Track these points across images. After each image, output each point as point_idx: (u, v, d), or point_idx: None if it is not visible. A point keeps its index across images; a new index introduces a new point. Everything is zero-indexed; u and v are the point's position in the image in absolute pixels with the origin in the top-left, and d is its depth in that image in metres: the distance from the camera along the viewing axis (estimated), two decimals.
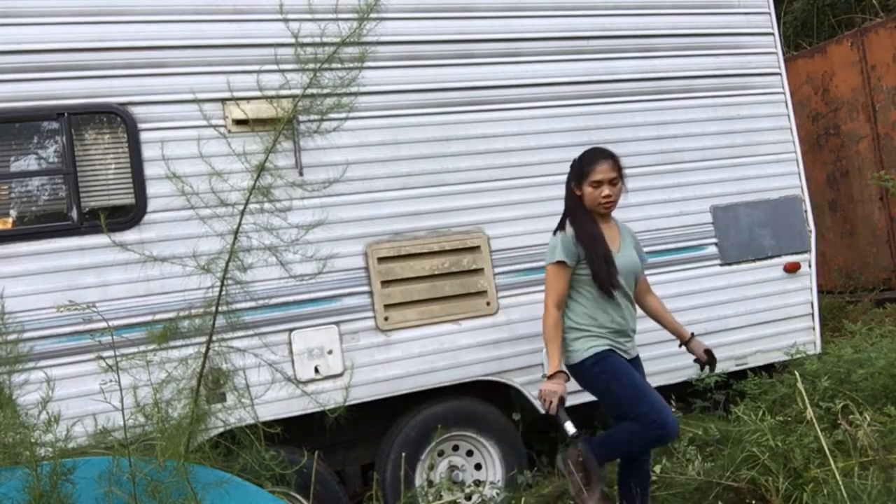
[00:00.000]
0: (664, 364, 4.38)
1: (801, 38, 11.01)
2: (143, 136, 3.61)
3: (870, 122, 7.05)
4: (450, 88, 4.15)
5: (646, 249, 4.40)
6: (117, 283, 3.51)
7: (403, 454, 3.87)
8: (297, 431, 3.52)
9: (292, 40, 3.89)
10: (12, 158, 3.52)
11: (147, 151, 3.61)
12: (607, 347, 3.17)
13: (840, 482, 3.07)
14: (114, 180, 3.60)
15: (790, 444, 3.40)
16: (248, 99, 3.73)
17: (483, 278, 4.09)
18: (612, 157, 3.24)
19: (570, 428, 3.06)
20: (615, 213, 4.31)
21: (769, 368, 4.58)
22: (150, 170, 3.60)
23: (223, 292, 3.69)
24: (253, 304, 3.68)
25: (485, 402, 4.12)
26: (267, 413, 3.63)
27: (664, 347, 4.40)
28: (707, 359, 3.43)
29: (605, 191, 3.20)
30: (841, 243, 7.50)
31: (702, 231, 4.58)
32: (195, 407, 3.04)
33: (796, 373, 3.83)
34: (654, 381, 4.32)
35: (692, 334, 3.50)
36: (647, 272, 4.39)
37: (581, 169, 3.27)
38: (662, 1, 4.66)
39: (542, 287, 4.19)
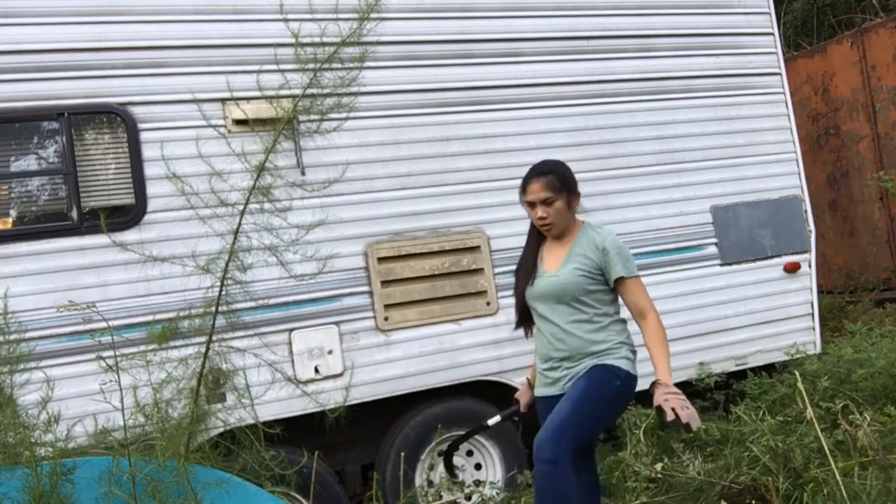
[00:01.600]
0: None
1: (801, 38, 11.01)
2: (143, 136, 3.62)
3: (870, 122, 7.05)
4: (450, 88, 4.15)
5: (645, 249, 4.44)
6: (117, 283, 3.51)
7: (403, 454, 3.87)
8: (297, 431, 3.52)
9: (292, 40, 3.90)
10: (12, 158, 3.52)
11: (147, 151, 3.61)
12: (538, 394, 2.97)
13: (840, 482, 3.07)
14: (114, 180, 3.61)
15: (790, 444, 3.40)
16: (248, 99, 3.73)
17: (483, 278, 4.09)
18: (546, 174, 2.86)
19: (490, 420, 3.31)
20: (615, 214, 4.33)
21: (769, 368, 4.58)
22: (150, 170, 3.60)
23: (223, 292, 3.69)
24: (253, 304, 3.68)
25: (485, 402, 4.12)
26: (267, 413, 3.63)
27: None
28: (657, 415, 2.71)
29: (539, 212, 2.87)
30: (841, 243, 7.50)
31: (702, 231, 4.58)
32: (195, 407, 3.04)
33: (796, 373, 3.83)
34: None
35: (656, 381, 2.68)
36: (646, 272, 4.42)
37: (521, 185, 2.98)
38: (662, 1, 4.66)
39: None
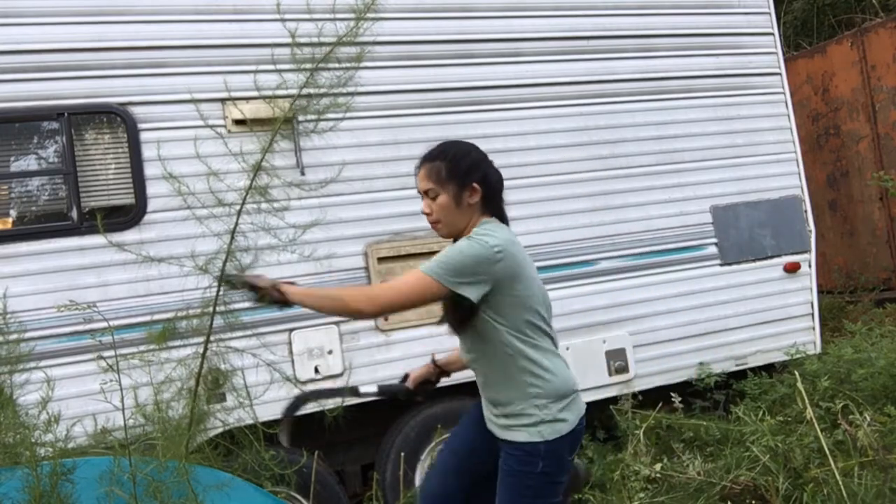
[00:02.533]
0: (664, 364, 4.38)
1: (801, 38, 11.00)
2: (143, 136, 3.62)
3: (870, 122, 7.05)
4: (450, 88, 4.15)
5: (645, 249, 4.45)
6: (117, 283, 3.51)
7: (403, 454, 3.87)
8: (297, 431, 3.52)
9: (292, 40, 3.90)
10: (12, 158, 3.52)
11: (147, 151, 3.61)
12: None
13: (840, 482, 3.07)
14: (114, 180, 3.61)
15: (790, 444, 3.40)
16: (248, 99, 3.73)
17: None
18: (433, 160, 2.29)
19: (363, 388, 2.79)
20: (615, 214, 4.31)
21: (769, 368, 4.58)
22: (149, 170, 3.60)
23: (221, 292, 3.68)
24: (252, 304, 3.68)
25: None
26: (267, 413, 3.63)
27: (664, 347, 4.41)
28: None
29: (423, 206, 2.32)
30: (841, 243, 7.50)
31: (702, 231, 4.58)
32: (195, 407, 3.04)
33: (796, 373, 3.83)
34: (654, 381, 4.35)
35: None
36: (646, 272, 4.43)
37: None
38: (662, 1, 4.66)
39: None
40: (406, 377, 2.64)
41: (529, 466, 2.17)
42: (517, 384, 2.21)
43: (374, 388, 2.64)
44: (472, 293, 2.11)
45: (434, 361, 2.66)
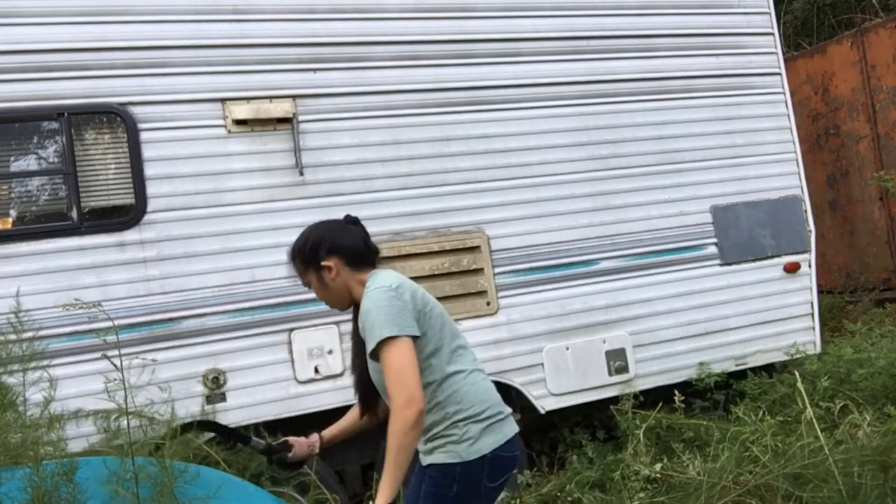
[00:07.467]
0: (664, 364, 4.39)
1: (801, 38, 11.00)
2: (143, 136, 3.61)
3: (870, 122, 7.05)
4: (450, 88, 4.15)
5: (645, 249, 4.46)
6: (117, 283, 3.51)
7: None
8: (296, 431, 3.51)
9: (292, 40, 3.91)
10: (12, 158, 3.52)
11: (147, 151, 3.61)
12: None
13: (840, 482, 3.07)
14: (114, 180, 3.61)
15: (790, 444, 3.40)
16: (248, 99, 3.74)
17: (483, 278, 4.09)
18: (291, 260, 2.37)
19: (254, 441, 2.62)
20: (615, 214, 4.35)
21: (769, 368, 4.58)
22: (150, 170, 3.60)
23: (223, 292, 3.69)
24: (253, 303, 3.69)
25: None
26: (267, 413, 3.64)
27: (665, 347, 4.42)
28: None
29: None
30: (841, 243, 7.50)
31: (702, 231, 4.57)
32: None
33: (796, 373, 3.83)
34: (654, 381, 4.35)
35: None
36: (646, 272, 4.44)
37: None
38: (662, 1, 4.66)
39: (543, 287, 4.21)
40: (285, 444, 2.55)
41: (444, 489, 2.17)
42: (437, 408, 2.21)
43: (261, 445, 2.58)
44: (416, 329, 2.14)
45: (321, 437, 2.58)
